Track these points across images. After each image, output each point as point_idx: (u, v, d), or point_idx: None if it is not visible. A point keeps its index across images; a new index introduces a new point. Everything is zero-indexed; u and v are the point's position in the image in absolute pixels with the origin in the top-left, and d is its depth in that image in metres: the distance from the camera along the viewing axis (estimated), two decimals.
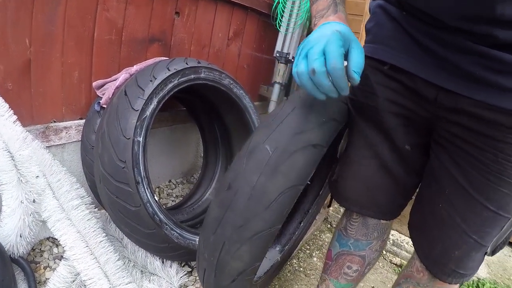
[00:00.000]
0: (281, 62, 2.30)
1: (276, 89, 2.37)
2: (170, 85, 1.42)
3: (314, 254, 2.11)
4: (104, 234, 1.18)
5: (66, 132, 1.53)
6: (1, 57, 1.26)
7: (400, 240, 2.22)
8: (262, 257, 0.88)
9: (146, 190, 1.24)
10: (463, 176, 0.80)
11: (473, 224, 0.81)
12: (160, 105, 1.37)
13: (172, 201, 2.09)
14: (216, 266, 0.85)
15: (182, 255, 1.43)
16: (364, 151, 0.96)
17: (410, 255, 1.10)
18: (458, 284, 0.94)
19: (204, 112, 2.09)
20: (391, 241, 2.24)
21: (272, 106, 2.41)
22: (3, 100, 1.20)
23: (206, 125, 2.13)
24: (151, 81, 1.35)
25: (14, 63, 1.30)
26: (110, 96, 1.42)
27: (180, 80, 1.46)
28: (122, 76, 1.46)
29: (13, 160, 1.10)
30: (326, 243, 2.24)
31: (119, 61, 1.65)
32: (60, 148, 1.54)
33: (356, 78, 0.69)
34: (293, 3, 2.25)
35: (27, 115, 1.39)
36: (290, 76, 2.50)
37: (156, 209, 1.28)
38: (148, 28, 1.72)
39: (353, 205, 1.04)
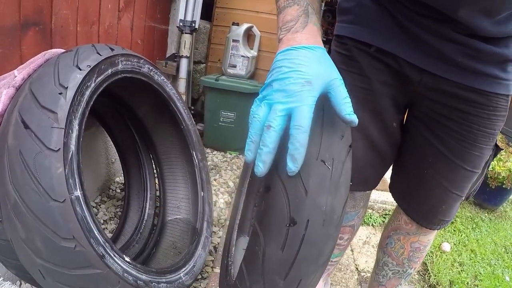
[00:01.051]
0: (186, 32, 1.83)
1: (184, 64, 1.92)
2: (87, 93, 0.90)
3: None
4: None
5: None
6: None
7: None
8: None
9: (115, 257, 0.78)
10: (443, 145, 0.88)
11: (454, 182, 0.91)
12: (83, 129, 0.85)
13: (104, 229, 1.54)
14: None
15: None
16: (355, 134, 0.88)
17: None
18: None
19: (108, 110, 1.54)
20: None
21: (182, 85, 1.94)
22: None
23: (115, 125, 1.59)
24: (60, 93, 0.81)
25: None
26: None
27: (97, 81, 0.94)
28: (3, 94, 0.85)
29: None
30: None
31: None
32: None
33: (355, 120, 0.59)
34: None
35: None
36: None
37: (134, 272, 0.85)
38: (18, 9, 1.07)
39: None
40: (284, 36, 0.63)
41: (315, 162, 0.64)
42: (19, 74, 0.90)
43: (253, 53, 2.52)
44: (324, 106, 0.69)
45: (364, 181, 1.03)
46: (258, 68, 2.65)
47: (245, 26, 2.44)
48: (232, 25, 2.48)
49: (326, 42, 5.24)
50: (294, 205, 0.65)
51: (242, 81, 2.43)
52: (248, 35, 2.55)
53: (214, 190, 2.07)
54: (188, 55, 1.89)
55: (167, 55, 2.28)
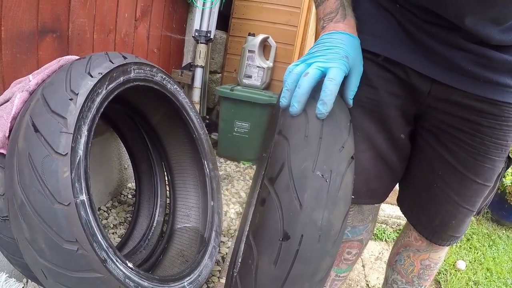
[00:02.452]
0: (201, 42, 1.86)
1: (199, 74, 1.94)
2: (98, 100, 0.92)
3: None
4: None
5: None
6: None
7: None
8: None
9: (117, 262, 0.79)
10: (454, 158, 0.86)
11: (465, 196, 0.89)
12: (92, 134, 0.87)
13: (113, 233, 1.56)
14: None
15: None
16: (361, 145, 0.90)
17: None
18: None
19: (122, 117, 1.57)
20: None
21: (196, 95, 1.96)
22: None
23: (128, 132, 1.62)
24: (71, 99, 0.83)
25: None
26: (8, 135, 0.85)
27: (108, 88, 0.97)
28: (17, 97, 0.88)
29: None
30: None
31: (2, 70, 1.06)
32: None
33: (351, 104, 0.73)
34: None
35: None
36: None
37: (136, 278, 0.85)
38: (36, 16, 1.12)
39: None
40: (327, 25, 0.76)
41: (311, 175, 0.63)
42: (33, 79, 0.94)
43: (269, 63, 2.53)
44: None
45: (371, 194, 0.99)
46: (274, 79, 2.66)
47: (261, 36, 2.46)
48: (248, 35, 2.51)
49: None
50: (288, 219, 0.63)
51: (257, 92, 2.44)
52: (264, 46, 2.58)
53: (226, 200, 2.07)
54: (203, 65, 1.92)
55: (183, 64, 2.32)
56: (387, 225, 2.10)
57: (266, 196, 0.67)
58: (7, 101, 0.99)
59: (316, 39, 2.32)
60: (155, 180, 1.62)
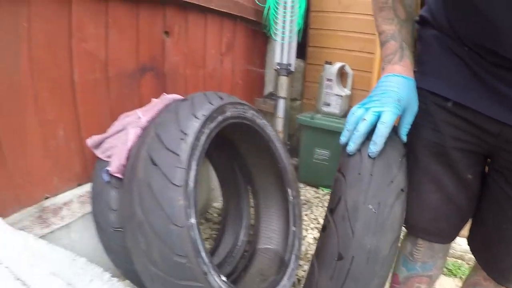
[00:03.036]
0: (282, 75, 2.01)
1: (282, 104, 2.09)
2: (203, 138, 1.07)
3: None
4: None
5: (68, 209, 1.14)
6: None
7: None
8: None
9: (214, 276, 0.94)
10: None
11: None
12: (199, 168, 1.04)
13: None
14: None
15: None
16: (429, 186, 0.95)
17: None
18: None
19: (213, 144, 1.76)
20: None
21: (279, 124, 2.11)
22: None
23: (218, 157, 1.81)
24: (182, 139, 1.01)
25: None
26: (124, 163, 1.06)
27: (210, 127, 1.13)
28: (131, 132, 1.10)
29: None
30: None
31: (110, 105, 1.27)
32: (65, 229, 1.15)
33: (404, 139, 0.84)
34: (285, 7, 1.95)
35: (11, 199, 1.02)
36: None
37: None
38: (136, 56, 1.34)
39: (420, 232, 1.06)
40: (386, 66, 0.86)
41: (362, 207, 0.76)
42: (143, 116, 1.14)
43: (347, 91, 2.59)
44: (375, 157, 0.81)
45: (439, 233, 1.02)
46: (352, 107, 2.70)
47: (338, 65, 2.53)
48: (325, 63, 2.59)
49: None
50: (343, 243, 0.77)
51: (336, 120, 2.51)
52: (341, 74, 2.65)
53: (304, 225, 2.14)
54: (285, 96, 2.07)
55: (265, 93, 2.50)
56: (463, 260, 2.00)
57: (327, 224, 0.82)
58: (118, 131, 1.19)
59: None
60: (241, 202, 1.78)
